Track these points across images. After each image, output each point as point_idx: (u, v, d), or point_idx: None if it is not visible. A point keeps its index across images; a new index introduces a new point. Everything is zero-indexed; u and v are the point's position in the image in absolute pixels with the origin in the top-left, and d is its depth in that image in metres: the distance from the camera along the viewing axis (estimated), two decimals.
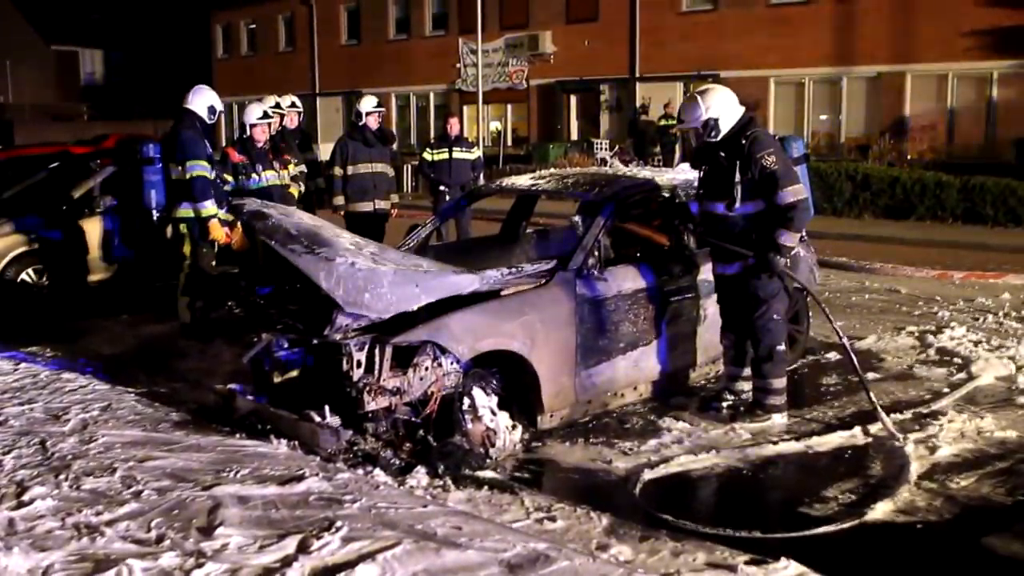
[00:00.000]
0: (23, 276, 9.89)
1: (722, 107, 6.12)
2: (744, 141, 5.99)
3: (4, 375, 6.96)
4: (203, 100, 8.35)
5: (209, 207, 8.11)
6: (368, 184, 10.21)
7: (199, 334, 8.33)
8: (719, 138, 6.11)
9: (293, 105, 10.50)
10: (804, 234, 7.32)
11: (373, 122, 10.24)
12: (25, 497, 4.57)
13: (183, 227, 8.32)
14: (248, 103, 9.23)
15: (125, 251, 10.31)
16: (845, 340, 6.20)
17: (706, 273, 6.69)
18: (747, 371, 6.41)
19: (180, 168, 8.12)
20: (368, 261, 5.61)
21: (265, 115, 8.93)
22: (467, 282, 5.84)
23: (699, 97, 6.17)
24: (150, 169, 8.70)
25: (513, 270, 6.12)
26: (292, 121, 10.39)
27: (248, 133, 9.02)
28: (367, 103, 10.36)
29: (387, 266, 5.68)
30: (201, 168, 8.08)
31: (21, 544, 4.03)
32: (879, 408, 5.92)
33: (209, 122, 8.35)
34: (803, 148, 7.30)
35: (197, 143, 8.16)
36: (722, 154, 6.09)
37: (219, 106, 8.46)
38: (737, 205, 6.02)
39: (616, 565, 3.92)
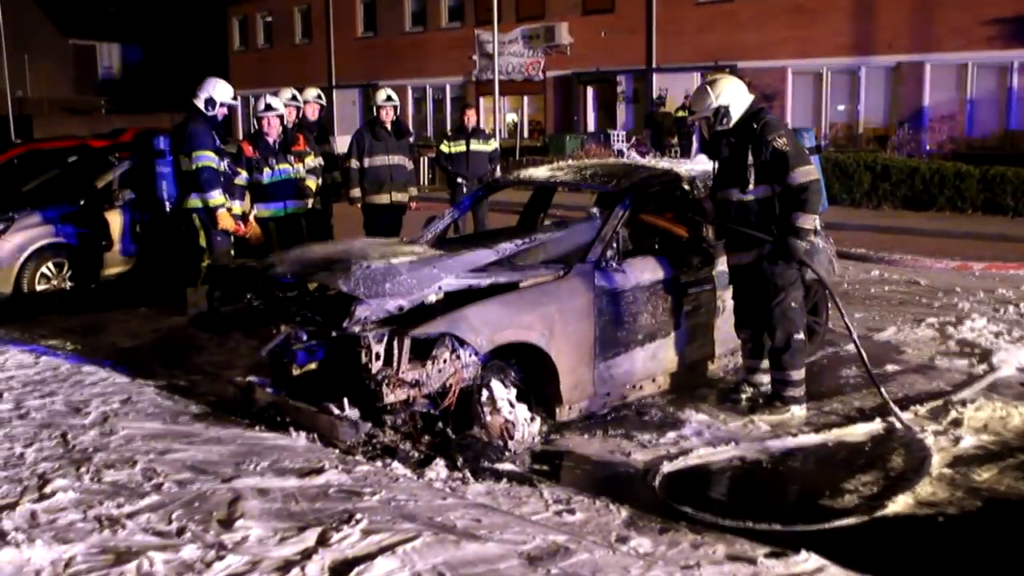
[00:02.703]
0: (43, 269, 9.95)
1: (732, 95, 6.15)
2: (756, 126, 6.04)
3: (26, 368, 7.00)
4: (203, 93, 8.46)
5: (216, 197, 8.20)
6: (384, 176, 10.20)
7: (212, 325, 8.35)
8: (731, 125, 6.14)
9: (319, 97, 10.51)
10: (821, 225, 7.29)
11: (385, 115, 10.23)
12: (47, 489, 4.60)
13: (195, 218, 8.38)
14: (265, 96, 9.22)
15: (144, 244, 10.37)
16: (855, 335, 6.17)
17: (724, 265, 6.66)
18: (765, 363, 6.39)
19: (189, 159, 8.21)
20: (383, 262, 5.69)
21: (268, 107, 8.90)
22: (483, 255, 5.91)
23: (708, 87, 6.21)
24: (161, 161, 8.79)
25: (527, 239, 6.15)
26: (313, 113, 10.39)
27: (258, 125, 9.02)
28: (378, 96, 10.39)
29: (402, 260, 5.77)
30: (207, 159, 8.17)
31: (44, 536, 4.06)
32: (890, 403, 5.91)
33: (208, 114, 8.38)
34: (814, 140, 7.30)
35: (203, 134, 8.25)
36: (733, 139, 6.14)
37: (220, 98, 8.43)
38: (750, 187, 6.05)
39: (636, 557, 3.92)
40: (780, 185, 5.98)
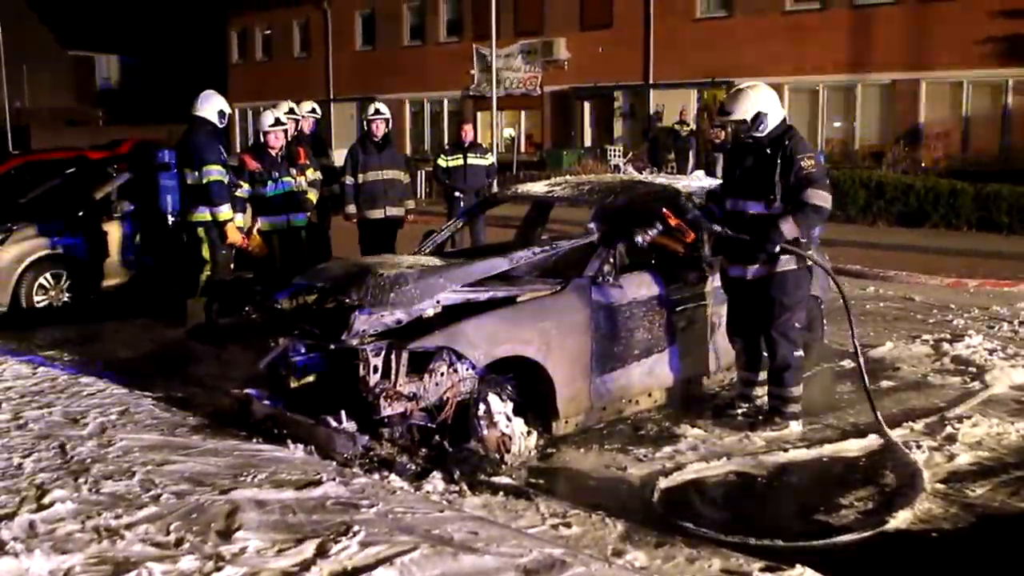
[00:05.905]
0: (41, 280, 9.96)
1: (770, 104, 6.07)
2: (788, 142, 5.97)
3: (23, 379, 7.01)
4: (213, 105, 8.51)
5: (226, 211, 8.24)
6: (379, 191, 10.21)
7: (210, 337, 8.36)
8: (763, 134, 6.04)
9: (313, 111, 10.54)
10: (817, 243, 7.30)
11: (376, 129, 10.25)
12: (45, 500, 4.60)
13: (200, 231, 8.41)
14: (263, 109, 9.28)
15: (142, 255, 10.39)
16: (860, 352, 6.19)
17: (720, 280, 6.68)
18: (761, 376, 6.41)
19: (196, 173, 8.24)
20: (395, 271, 5.72)
21: (278, 122, 8.97)
22: (497, 264, 5.92)
23: (750, 90, 6.09)
24: (165, 175, 8.84)
25: (547, 248, 6.15)
26: (308, 127, 10.43)
27: (263, 140, 9.06)
28: (368, 110, 10.44)
29: (413, 269, 5.82)
30: (217, 172, 8.22)
31: (42, 547, 4.06)
32: (881, 421, 5.93)
33: (220, 126, 8.48)
34: (822, 160, 7.27)
35: (211, 148, 8.32)
36: (768, 151, 6.02)
37: (227, 109, 8.57)
38: (776, 204, 5.98)
39: (631, 571, 3.94)
40: (795, 202, 5.93)
